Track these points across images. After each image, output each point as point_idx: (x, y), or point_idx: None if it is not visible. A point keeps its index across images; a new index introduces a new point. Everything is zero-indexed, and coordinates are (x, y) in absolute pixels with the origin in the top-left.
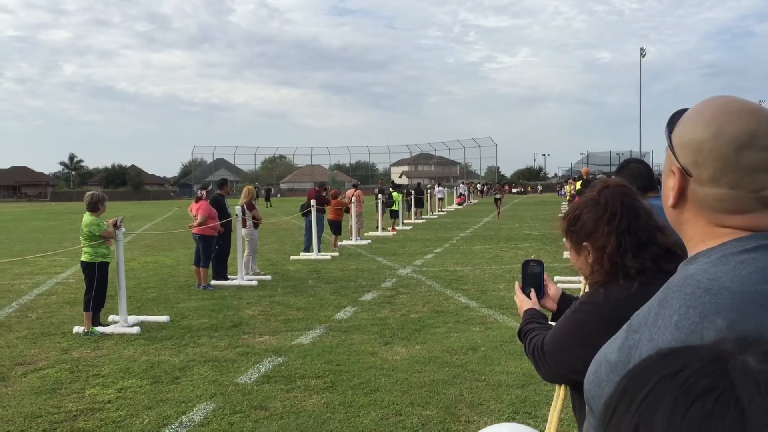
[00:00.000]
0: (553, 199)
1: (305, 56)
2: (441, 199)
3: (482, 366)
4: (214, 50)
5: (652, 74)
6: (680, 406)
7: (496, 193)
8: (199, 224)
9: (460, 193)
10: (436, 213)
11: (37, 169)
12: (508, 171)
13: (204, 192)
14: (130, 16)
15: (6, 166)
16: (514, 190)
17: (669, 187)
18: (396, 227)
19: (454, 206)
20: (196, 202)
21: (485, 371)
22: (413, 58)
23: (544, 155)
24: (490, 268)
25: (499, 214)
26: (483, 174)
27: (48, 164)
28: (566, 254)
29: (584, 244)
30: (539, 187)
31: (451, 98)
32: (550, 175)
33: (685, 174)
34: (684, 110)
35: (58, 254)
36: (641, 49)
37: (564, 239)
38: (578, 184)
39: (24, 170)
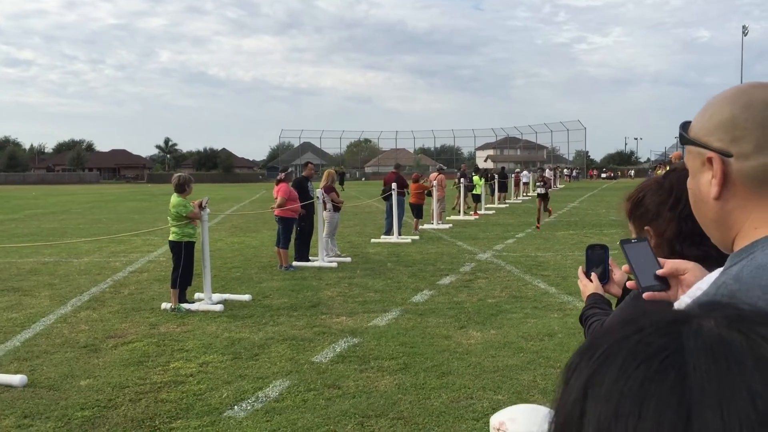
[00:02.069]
0: None
1: (392, 40)
2: (526, 184)
3: (558, 353)
4: (302, 35)
5: (755, 54)
6: (627, 367)
7: (538, 185)
8: (279, 206)
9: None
10: (520, 198)
11: (135, 153)
12: (597, 155)
13: (283, 174)
14: (222, 2)
15: (107, 149)
16: (603, 175)
17: (706, 181)
18: (478, 211)
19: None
20: (277, 184)
21: (560, 358)
22: (500, 40)
23: (636, 139)
24: (572, 254)
25: (539, 221)
26: (571, 158)
27: (145, 147)
28: None
29: (646, 228)
30: (631, 172)
31: (539, 80)
32: (642, 160)
33: (724, 156)
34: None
35: (151, 233)
36: (743, 27)
37: (628, 222)
38: (667, 169)
39: (123, 153)
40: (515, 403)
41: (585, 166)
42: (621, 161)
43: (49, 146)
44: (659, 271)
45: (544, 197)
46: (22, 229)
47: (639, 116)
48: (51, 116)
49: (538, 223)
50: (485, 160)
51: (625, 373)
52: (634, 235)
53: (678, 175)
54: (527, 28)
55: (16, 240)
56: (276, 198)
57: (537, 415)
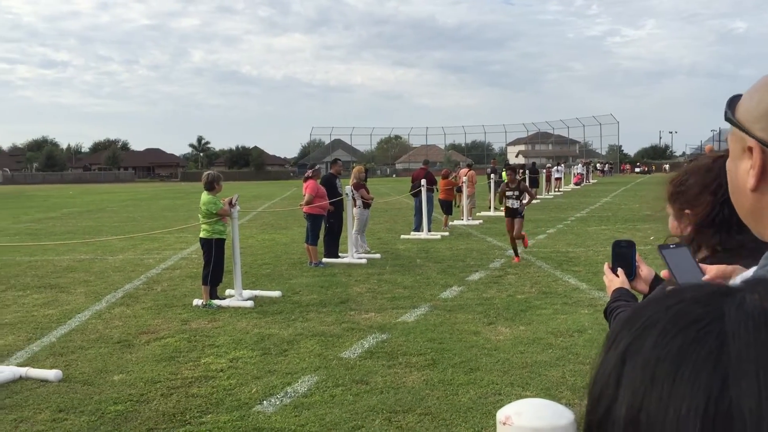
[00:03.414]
0: None
1: (421, 36)
2: (558, 179)
3: (588, 349)
4: (331, 33)
5: None
6: (666, 334)
7: (508, 192)
8: (307, 203)
9: (579, 173)
10: (552, 193)
11: (168, 151)
12: (631, 149)
13: (311, 171)
14: (253, 2)
15: (141, 148)
16: (637, 170)
17: (744, 169)
18: None
19: (572, 186)
20: (305, 181)
21: (590, 354)
22: (531, 35)
23: (671, 132)
24: (604, 249)
25: (514, 245)
26: (604, 153)
27: (179, 146)
28: None
29: (686, 212)
30: (666, 166)
31: (571, 75)
32: (677, 154)
33: (766, 147)
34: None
35: (183, 231)
36: None
37: (667, 205)
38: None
39: (157, 152)
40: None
41: (618, 160)
42: (655, 155)
43: (86, 146)
44: (705, 278)
45: (512, 214)
46: (59, 227)
47: (674, 109)
48: (87, 116)
49: (516, 255)
50: (516, 156)
51: (664, 339)
52: (672, 224)
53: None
54: (559, 21)
55: (54, 238)
56: (305, 195)
57: (543, 410)
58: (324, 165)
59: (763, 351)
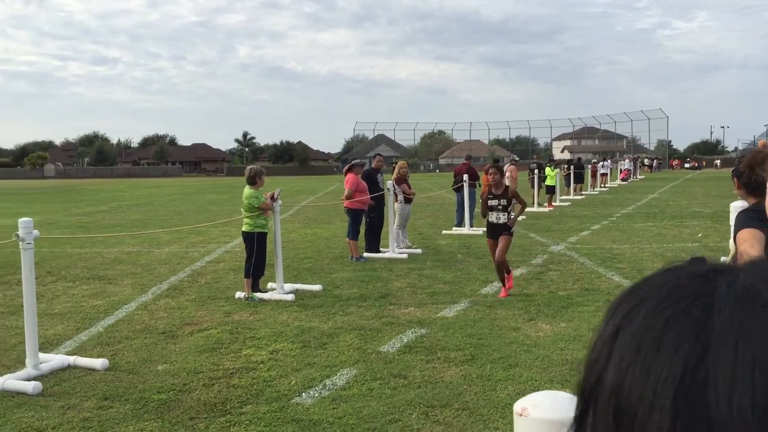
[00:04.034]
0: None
1: (466, 30)
2: (604, 175)
3: None
4: (376, 28)
5: None
6: (657, 306)
7: (491, 201)
8: (346, 197)
9: (626, 168)
10: (597, 189)
11: (215, 146)
12: (680, 144)
13: (347, 166)
14: None
15: (188, 143)
16: (687, 165)
17: None
18: (553, 203)
19: (618, 182)
20: (345, 174)
21: None
22: (578, 28)
23: (722, 127)
24: (650, 246)
25: (505, 283)
26: (652, 148)
27: (224, 141)
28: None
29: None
30: (717, 162)
31: (619, 68)
32: (729, 149)
33: None
34: None
35: (228, 224)
36: None
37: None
38: None
39: (203, 147)
40: None
41: (667, 156)
42: (706, 151)
43: (135, 141)
44: None
45: (496, 233)
46: (108, 220)
47: (726, 103)
48: (136, 112)
49: (505, 288)
50: (562, 151)
51: (654, 311)
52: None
53: None
54: (607, 14)
55: (103, 231)
56: (345, 190)
57: (560, 401)
58: (367, 160)
59: (744, 324)
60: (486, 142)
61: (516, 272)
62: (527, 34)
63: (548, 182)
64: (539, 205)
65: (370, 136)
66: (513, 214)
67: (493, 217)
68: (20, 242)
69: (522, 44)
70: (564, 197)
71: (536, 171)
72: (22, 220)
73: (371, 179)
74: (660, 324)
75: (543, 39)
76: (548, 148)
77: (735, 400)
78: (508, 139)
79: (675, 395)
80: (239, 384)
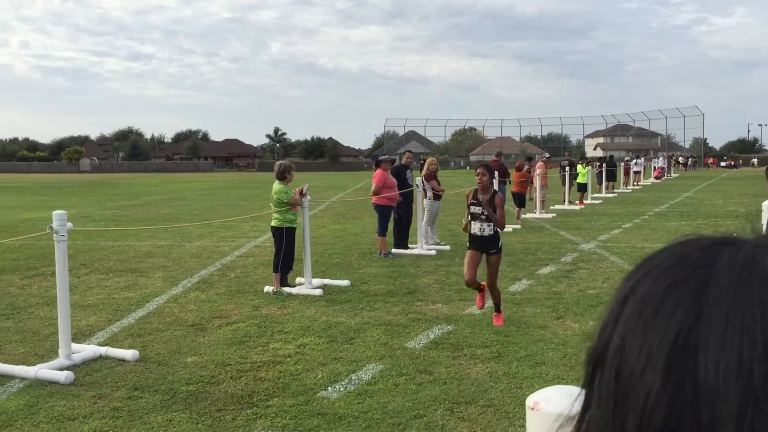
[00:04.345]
0: None
1: (499, 26)
2: (637, 173)
3: None
4: (407, 24)
5: None
6: (662, 275)
7: (473, 207)
8: (374, 193)
9: (659, 167)
10: (630, 187)
11: (246, 142)
12: (716, 143)
13: (376, 162)
14: None
15: (220, 138)
16: (723, 164)
17: None
18: (584, 201)
19: (652, 180)
20: (375, 168)
21: None
22: (613, 24)
23: (760, 125)
24: None
25: (494, 296)
26: (687, 146)
27: (256, 137)
28: None
29: None
30: (754, 160)
31: (655, 65)
32: (767, 147)
33: None
34: None
35: (257, 219)
36: None
37: None
38: None
39: (235, 143)
40: None
41: (702, 154)
42: (743, 149)
43: (168, 136)
44: None
45: (481, 246)
46: (141, 214)
47: (764, 101)
48: (170, 107)
49: (497, 312)
50: (594, 149)
51: (658, 280)
52: None
53: None
54: (642, 10)
55: (136, 224)
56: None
57: (571, 396)
58: (397, 156)
59: (737, 293)
60: (517, 139)
61: (545, 270)
62: (561, 31)
63: (580, 180)
64: (570, 202)
65: (401, 132)
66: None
67: (476, 227)
68: (54, 234)
69: (556, 40)
70: (596, 195)
71: (568, 168)
72: (56, 213)
73: (400, 175)
74: (661, 291)
75: (577, 35)
76: (580, 146)
77: (722, 364)
78: (539, 136)
79: (667, 357)
80: (266, 377)
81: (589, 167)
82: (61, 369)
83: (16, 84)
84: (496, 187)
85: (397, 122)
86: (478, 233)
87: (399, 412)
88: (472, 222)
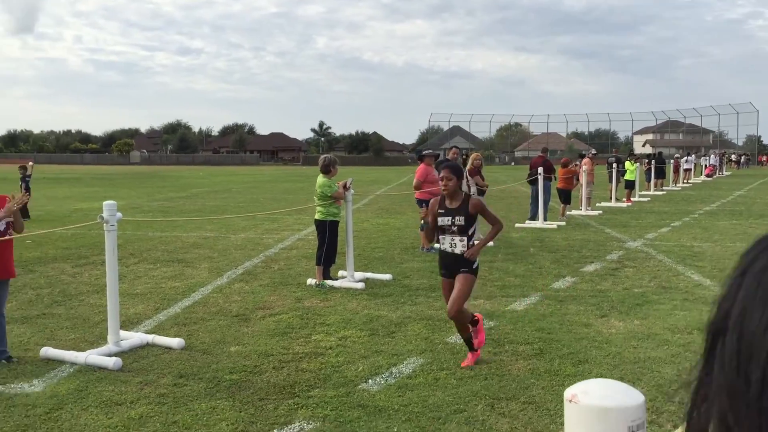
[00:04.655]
0: None
1: (546, 20)
2: (687, 170)
3: None
4: (453, 18)
5: None
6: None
7: (441, 217)
8: (415, 187)
9: (711, 164)
10: (680, 185)
11: (291, 136)
12: None
13: (419, 156)
14: None
15: (266, 132)
16: None
17: None
18: (632, 198)
19: (702, 178)
20: (420, 162)
21: None
22: (666, 18)
23: None
24: (733, 245)
25: (462, 331)
26: (740, 143)
27: (301, 131)
28: None
29: None
30: None
31: (708, 60)
32: None
33: None
34: None
35: (301, 212)
36: None
37: None
38: None
39: (281, 136)
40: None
41: (756, 151)
42: None
43: (215, 129)
44: None
45: (451, 266)
46: (188, 205)
47: None
48: (217, 101)
49: (472, 352)
50: (643, 145)
51: (765, 270)
52: None
53: None
54: (696, 3)
55: (183, 216)
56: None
57: (612, 389)
58: (441, 151)
59: None
60: (564, 135)
61: (590, 267)
62: (611, 25)
63: (628, 177)
64: (617, 200)
65: (445, 127)
66: (476, 239)
67: (445, 243)
68: (104, 224)
69: (606, 35)
70: (644, 192)
71: (615, 165)
72: (107, 203)
73: None
74: (763, 276)
75: (628, 29)
76: (629, 142)
77: None
78: (586, 132)
79: None
80: (308, 368)
81: (638, 164)
82: (110, 355)
83: (70, 77)
84: (541, 182)
85: (441, 117)
86: (448, 249)
87: (439, 407)
88: (441, 237)
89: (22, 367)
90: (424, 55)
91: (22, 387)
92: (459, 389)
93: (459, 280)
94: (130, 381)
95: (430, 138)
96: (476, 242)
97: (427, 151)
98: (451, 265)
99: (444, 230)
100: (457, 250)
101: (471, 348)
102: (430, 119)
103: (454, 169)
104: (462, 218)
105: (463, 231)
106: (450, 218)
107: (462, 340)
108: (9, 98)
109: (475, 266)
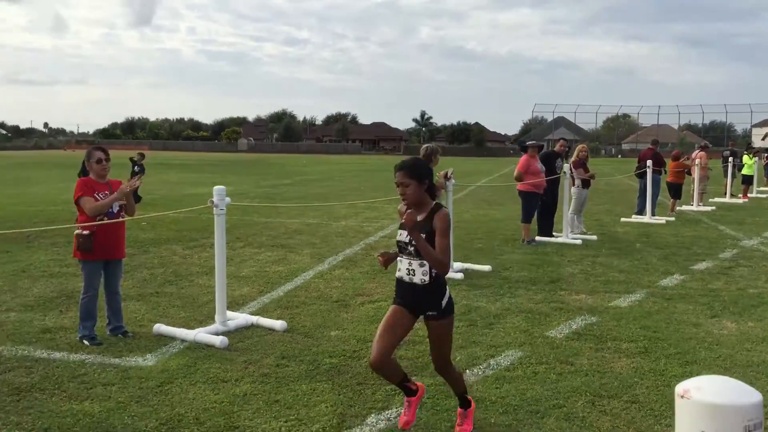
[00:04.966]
0: None
1: (659, 7)
2: None
3: None
4: (560, 6)
5: None
6: None
7: (401, 237)
8: (516, 179)
9: None
10: None
11: (393, 125)
12: None
13: (521, 148)
14: None
15: (368, 122)
16: None
17: None
18: (748, 194)
19: None
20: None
21: None
22: None
23: None
24: None
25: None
26: None
27: (403, 121)
28: None
29: None
30: None
31: None
32: None
33: None
34: None
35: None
36: None
37: None
38: None
39: (382, 126)
40: None
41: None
42: None
43: (319, 118)
44: None
45: (408, 297)
46: (292, 193)
47: None
48: (321, 91)
49: (463, 412)
50: (763, 138)
51: None
52: None
53: None
54: None
55: (287, 202)
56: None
57: (726, 386)
58: (545, 142)
59: None
60: (675, 127)
61: (701, 265)
62: (731, 11)
63: (745, 171)
64: (732, 195)
65: (549, 118)
66: (432, 264)
67: (402, 266)
68: (214, 208)
69: (724, 22)
70: (762, 189)
71: (730, 159)
72: (217, 188)
73: (549, 162)
74: None
75: (749, 15)
76: (746, 135)
77: None
78: (700, 125)
79: None
80: (405, 356)
81: (756, 158)
82: (217, 334)
83: (184, 68)
84: (649, 175)
85: (545, 108)
86: (405, 277)
87: (537, 401)
88: (398, 258)
89: (136, 342)
90: (528, 45)
91: (136, 360)
92: (558, 384)
93: (431, 332)
94: (235, 360)
95: (533, 129)
96: (432, 269)
97: (530, 142)
98: (409, 298)
99: (401, 249)
100: (416, 279)
101: (463, 403)
102: (533, 110)
103: (411, 171)
104: (422, 236)
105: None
106: (409, 238)
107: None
108: (129, 87)
109: (444, 304)
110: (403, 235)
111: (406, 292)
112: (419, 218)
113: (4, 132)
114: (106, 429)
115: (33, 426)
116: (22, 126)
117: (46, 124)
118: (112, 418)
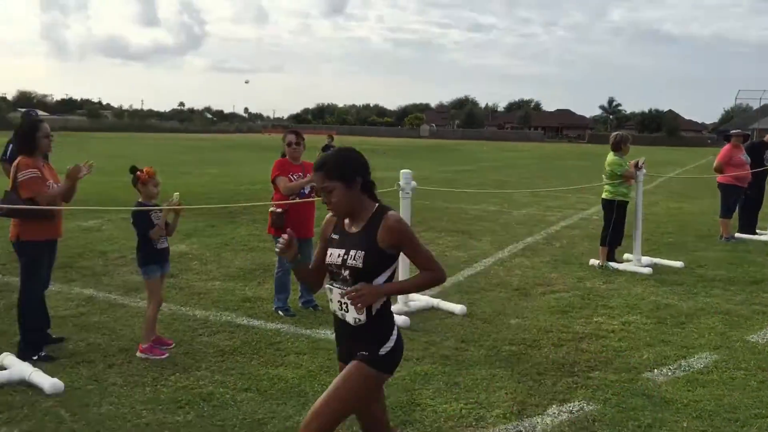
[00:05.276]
0: None
1: None
2: None
3: None
4: None
5: None
6: None
7: (331, 258)
8: (715, 170)
9: None
10: None
11: (578, 113)
12: None
13: (723, 137)
14: None
15: (552, 109)
16: None
17: None
18: None
19: None
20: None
21: None
22: None
23: None
24: None
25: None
26: None
27: (588, 108)
28: None
29: None
30: None
31: None
32: None
33: None
34: None
35: (586, 191)
36: None
37: None
38: None
39: (566, 113)
40: None
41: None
42: None
43: (501, 105)
44: None
45: (345, 341)
46: (473, 179)
47: None
48: (504, 77)
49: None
50: None
51: None
52: None
53: None
54: None
55: (468, 188)
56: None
57: None
58: (750, 132)
59: None
60: None
61: None
62: None
63: None
64: None
65: (755, 106)
66: (381, 299)
67: (333, 297)
68: (400, 191)
69: None
70: None
71: None
72: (403, 172)
73: (757, 154)
74: None
75: None
76: None
77: None
78: None
79: None
80: (588, 349)
81: None
82: (400, 314)
83: (372, 55)
84: None
85: (751, 94)
86: (338, 311)
87: (736, 408)
88: (328, 286)
89: (325, 316)
90: (735, 25)
91: (325, 333)
92: (760, 392)
93: (344, 372)
94: (417, 339)
95: (736, 117)
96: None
97: (735, 131)
98: (346, 341)
99: (333, 274)
100: (349, 317)
101: None
102: (737, 96)
103: (332, 170)
104: (361, 254)
105: (362, 278)
106: (341, 252)
107: None
108: (320, 75)
109: (385, 352)
110: (335, 256)
111: (342, 331)
112: (355, 229)
113: (210, 116)
114: (298, 394)
115: (235, 386)
116: (226, 111)
117: (246, 109)
118: (303, 384)
